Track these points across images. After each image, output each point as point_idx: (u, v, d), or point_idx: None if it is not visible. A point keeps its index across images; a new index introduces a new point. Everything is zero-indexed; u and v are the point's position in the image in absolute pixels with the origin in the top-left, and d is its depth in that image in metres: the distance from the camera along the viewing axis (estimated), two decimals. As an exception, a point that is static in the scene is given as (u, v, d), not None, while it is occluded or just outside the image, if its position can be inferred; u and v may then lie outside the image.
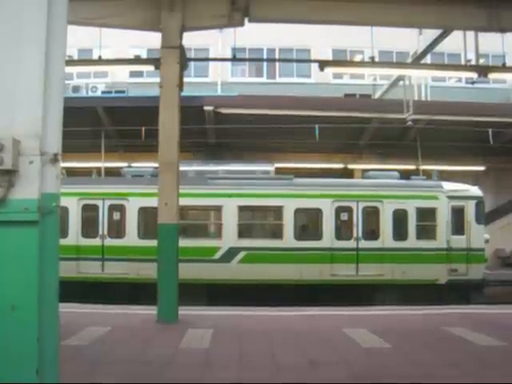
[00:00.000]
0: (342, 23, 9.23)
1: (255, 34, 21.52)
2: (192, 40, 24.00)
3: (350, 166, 17.43)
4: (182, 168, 14.15)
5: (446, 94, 20.81)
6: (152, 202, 13.43)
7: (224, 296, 12.87)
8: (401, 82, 15.38)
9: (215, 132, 17.34)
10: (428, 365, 5.71)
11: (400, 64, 12.85)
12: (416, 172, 16.73)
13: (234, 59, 10.74)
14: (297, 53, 22.68)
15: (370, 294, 13.50)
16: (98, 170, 16.40)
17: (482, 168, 18.32)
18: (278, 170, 16.18)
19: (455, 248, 13.74)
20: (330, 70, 10.21)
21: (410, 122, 15.03)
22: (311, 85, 21.93)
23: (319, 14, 8.70)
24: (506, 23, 8.80)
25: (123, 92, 20.13)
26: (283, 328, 7.74)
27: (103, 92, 20.28)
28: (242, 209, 13.57)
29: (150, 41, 21.38)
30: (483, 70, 9.11)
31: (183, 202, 13.39)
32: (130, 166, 16.82)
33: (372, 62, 9.73)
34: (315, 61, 11.27)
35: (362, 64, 11.58)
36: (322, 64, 9.29)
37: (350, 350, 6.39)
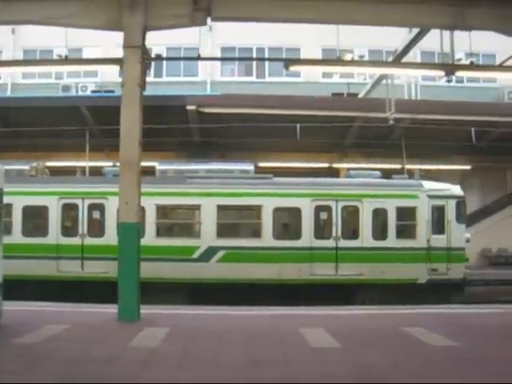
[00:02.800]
0: (306, 21, 9.22)
1: (245, 34, 21.66)
2: (182, 39, 24.09)
3: (335, 165, 17.37)
4: (162, 167, 14.49)
5: (437, 93, 20.69)
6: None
7: (203, 295, 12.93)
8: (383, 81, 15.32)
9: (199, 131, 17.35)
10: (369, 364, 5.69)
11: (371, 62, 12.83)
12: (401, 171, 16.67)
13: (198, 58, 10.67)
14: (286, 52, 22.63)
15: (350, 294, 13.49)
16: (83, 169, 16.45)
17: (467, 167, 18.21)
18: (262, 170, 16.20)
19: (435, 247, 13.67)
20: (295, 69, 10.17)
21: (391, 121, 14.96)
22: (300, 84, 21.89)
23: (282, 12, 8.69)
24: (471, 21, 8.74)
25: (112, 91, 20.19)
26: (241, 327, 7.75)
27: (92, 91, 20.33)
28: (220, 208, 13.56)
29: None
30: (450, 69, 9.04)
31: (162, 201, 13.75)
32: (114, 166, 16.88)
33: (339, 61, 9.64)
34: (281, 59, 11.23)
35: (328, 62, 11.52)
36: (288, 63, 9.27)
37: (297, 349, 6.38)
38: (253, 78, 22.01)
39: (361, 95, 16.83)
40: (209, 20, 8.70)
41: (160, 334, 7.10)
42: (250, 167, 14.22)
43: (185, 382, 4.99)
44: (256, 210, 13.65)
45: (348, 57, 22.44)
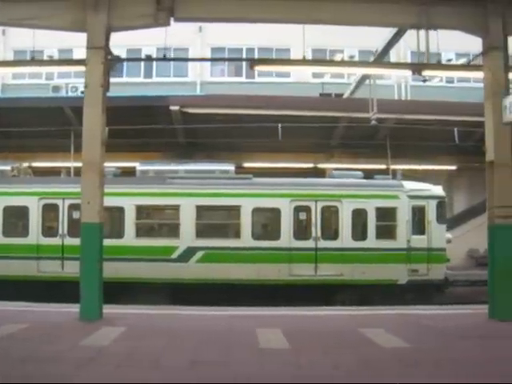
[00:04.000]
0: (269, 21, 9.21)
1: (235, 34, 21.68)
2: (171, 40, 24.09)
3: (321, 166, 17.32)
4: (142, 168, 14.52)
5: (427, 93, 20.61)
6: (111, 202, 13.78)
7: (183, 296, 12.95)
8: (368, 82, 15.29)
9: (185, 132, 17.37)
10: (309, 365, 5.68)
11: (334, 62, 12.78)
12: (386, 171, 16.59)
13: (164, 59, 10.68)
14: (276, 52, 22.64)
15: (330, 294, 13.46)
16: (69, 169, 16.53)
17: (453, 167, 18.09)
18: (248, 170, 16.21)
19: (415, 248, 13.59)
20: (260, 68, 10.16)
21: (373, 122, 14.91)
22: (290, 84, 21.89)
23: (246, 12, 8.68)
24: (436, 20, 8.70)
25: (102, 92, 20.27)
26: (198, 328, 7.75)
27: (82, 92, 20.37)
28: (199, 208, 13.57)
29: (129, 40, 21.61)
30: (418, 68, 8.99)
31: (142, 201, 13.79)
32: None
33: (304, 61, 9.60)
34: (245, 59, 11.19)
35: (291, 62, 11.49)
36: (252, 63, 9.26)
37: (244, 350, 6.37)
38: (242, 79, 22.04)
39: (346, 95, 16.78)
40: (172, 20, 8.69)
41: (114, 334, 7.12)
42: (231, 167, 14.22)
43: (116, 381, 5.00)
44: (235, 211, 13.64)
45: (338, 57, 22.52)
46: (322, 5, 8.68)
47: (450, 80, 21.15)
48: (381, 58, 13.58)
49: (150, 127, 15.53)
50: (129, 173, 14.98)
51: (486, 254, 18.74)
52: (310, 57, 22.44)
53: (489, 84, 8.62)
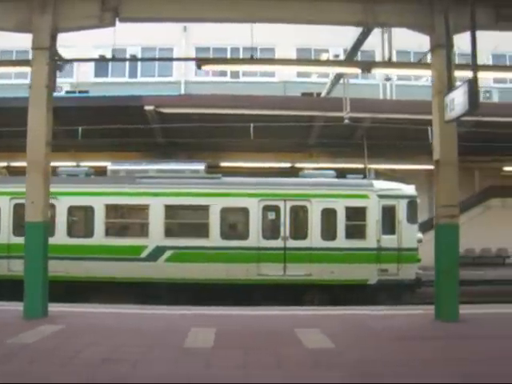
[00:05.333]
0: (214, 20, 9.23)
1: (220, 34, 21.69)
2: (157, 40, 24.20)
3: (298, 165, 17.26)
4: (113, 167, 14.58)
5: (413, 92, 20.45)
6: (81, 201, 13.90)
7: (153, 295, 13.00)
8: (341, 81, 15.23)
9: (163, 132, 17.42)
10: (222, 365, 5.68)
11: (281, 61, 12.74)
12: (364, 171, 16.52)
13: (102, 59, 10.70)
14: (261, 52, 22.57)
15: (299, 294, 13.43)
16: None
17: (431, 167, 17.85)
18: (225, 170, 16.23)
19: (385, 248, 13.48)
20: (207, 68, 10.16)
21: (346, 121, 14.83)
22: (275, 84, 21.86)
23: (191, 12, 8.70)
24: (381, 17, 8.65)
25: (87, 92, 20.45)
26: (134, 326, 7.77)
27: (67, 92, 20.59)
28: (168, 208, 13.61)
29: (117, 40, 21.67)
30: (367, 66, 8.93)
31: (112, 201, 13.86)
32: (78, 166, 17.10)
33: (251, 60, 9.58)
34: (191, 59, 11.19)
35: (239, 61, 11.41)
36: (200, 62, 9.27)
37: (166, 349, 6.38)
38: (227, 78, 22.05)
39: (323, 94, 16.72)
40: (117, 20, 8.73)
41: (49, 331, 7.19)
42: (201, 167, 14.22)
43: (21, 376, 5.06)
44: (204, 210, 13.63)
45: (324, 56, 22.41)
46: (267, 3, 8.67)
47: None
48: (351, 57, 13.51)
49: (125, 127, 15.59)
50: (103, 172, 15.06)
51: (466, 254, 18.80)
52: (294, 56, 22.58)
53: (435, 82, 8.54)
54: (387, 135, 16.70)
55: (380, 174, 15.96)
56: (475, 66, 7.30)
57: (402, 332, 7.54)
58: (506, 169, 15.47)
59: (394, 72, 13.91)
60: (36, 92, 8.46)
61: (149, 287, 13.23)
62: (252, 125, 15.31)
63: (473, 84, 7.17)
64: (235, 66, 12.49)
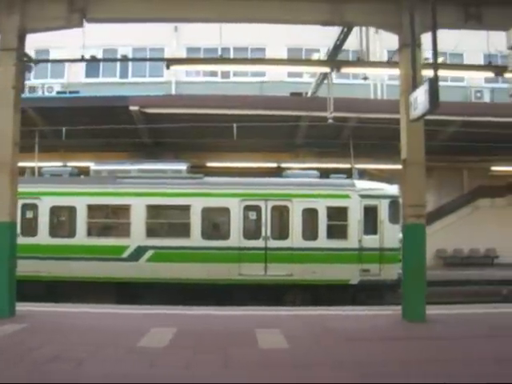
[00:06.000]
0: (183, 20, 9.29)
1: (211, 34, 21.67)
2: (148, 40, 24.17)
3: (285, 165, 17.22)
4: (96, 167, 14.63)
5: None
6: (64, 201, 13.95)
7: (134, 295, 13.05)
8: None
9: (149, 132, 17.47)
10: (167, 365, 5.66)
11: (243, 60, 12.73)
12: (350, 171, 16.44)
13: (77, 59, 10.74)
14: (252, 52, 22.61)
15: (281, 294, 13.43)
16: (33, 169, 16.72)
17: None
18: (211, 170, 16.24)
19: (367, 248, 13.47)
20: (176, 68, 10.17)
21: (330, 120, 14.79)
22: (265, 83, 21.83)
23: (158, 12, 8.71)
24: (349, 17, 8.62)
25: (77, 92, 20.52)
26: (97, 326, 7.77)
27: (58, 92, 20.69)
28: (150, 208, 13.66)
29: (105, 40, 21.76)
30: (336, 65, 8.91)
31: (94, 201, 13.90)
32: (65, 166, 17.17)
33: (221, 59, 9.58)
34: (162, 59, 11.20)
35: (209, 61, 11.44)
36: (169, 62, 9.28)
37: (118, 348, 6.34)
38: (218, 79, 22.04)
39: (309, 94, 16.69)
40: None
41: (11, 330, 7.22)
42: (183, 167, 14.24)
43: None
44: (185, 210, 13.67)
45: (315, 56, 22.37)
46: (233, 3, 8.66)
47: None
48: (333, 57, 13.46)
49: (110, 127, 15.65)
50: (88, 173, 15.11)
51: (454, 254, 18.72)
52: (285, 56, 22.54)
53: (401, 81, 8.50)
54: (375, 135, 16.64)
55: (367, 174, 15.85)
56: (436, 65, 7.26)
57: (363, 333, 7.49)
58: (494, 168, 15.32)
59: (364, 71, 13.84)
60: (3, 93, 8.48)
61: (131, 287, 13.30)
62: (235, 125, 15.31)
63: (433, 82, 7.13)
64: (206, 66, 12.49)
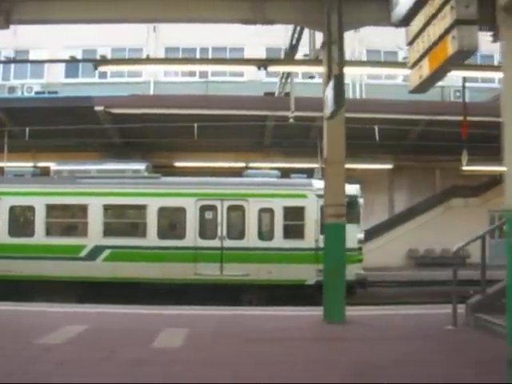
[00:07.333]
0: (103, 21, 9.28)
1: (189, 34, 21.76)
2: (127, 41, 24.24)
3: (253, 165, 17.15)
4: (56, 168, 14.75)
5: (383, 91, 20.15)
6: (23, 201, 14.10)
7: (92, 294, 13.11)
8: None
9: (118, 132, 17.56)
10: (43, 362, 5.68)
11: (188, 60, 12.68)
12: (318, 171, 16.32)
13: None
14: (230, 52, 22.61)
15: (237, 294, 13.38)
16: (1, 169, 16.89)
17: (390, 166, 17.63)
18: (179, 170, 16.26)
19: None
20: (104, 69, 10.20)
21: (291, 120, 14.72)
22: (244, 83, 21.82)
23: (80, 14, 8.75)
24: (271, 15, 8.55)
25: (56, 93, 20.73)
26: (20, 324, 7.82)
27: (37, 92, 20.93)
28: (107, 207, 13.74)
29: (84, 41, 21.92)
30: (263, 64, 8.87)
31: (52, 200, 14.02)
32: (35, 166, 17.31)
33: (149, 59, 9.59)
34: (90, 60, 11.24)
35: (137, 61, 11.41)
36: (97, 63, 9.32)
37: (20, 345, 6.36)
38: (196, 79, 22.08)
39: (277, 93, 16.64)
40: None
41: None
42: (141, 167, 14.29)
43: None
44: (142, 210, 13.74)
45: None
46: (154, 2, 8.66)
47: (407, 79, 20.60)
48: (291, 56, 13.38)
49: (75, 128, 15.76)
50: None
51: (425, 254, 18.45)
52: (264, 56, 22.47)
53: (323, 79, 8.42)
54: (346, 134, 16.44)
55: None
56: (341, 62, 7.17)
57: (271, 333, 7.40)
58: (465, 168, 15.09)
59: (294, 70, 13.76)
60: None
61: (88, 286, 13.37)
62: (196, 125, 15.31)
63: (338, 79, 7.04)
64: (134, 67, 12.51)
